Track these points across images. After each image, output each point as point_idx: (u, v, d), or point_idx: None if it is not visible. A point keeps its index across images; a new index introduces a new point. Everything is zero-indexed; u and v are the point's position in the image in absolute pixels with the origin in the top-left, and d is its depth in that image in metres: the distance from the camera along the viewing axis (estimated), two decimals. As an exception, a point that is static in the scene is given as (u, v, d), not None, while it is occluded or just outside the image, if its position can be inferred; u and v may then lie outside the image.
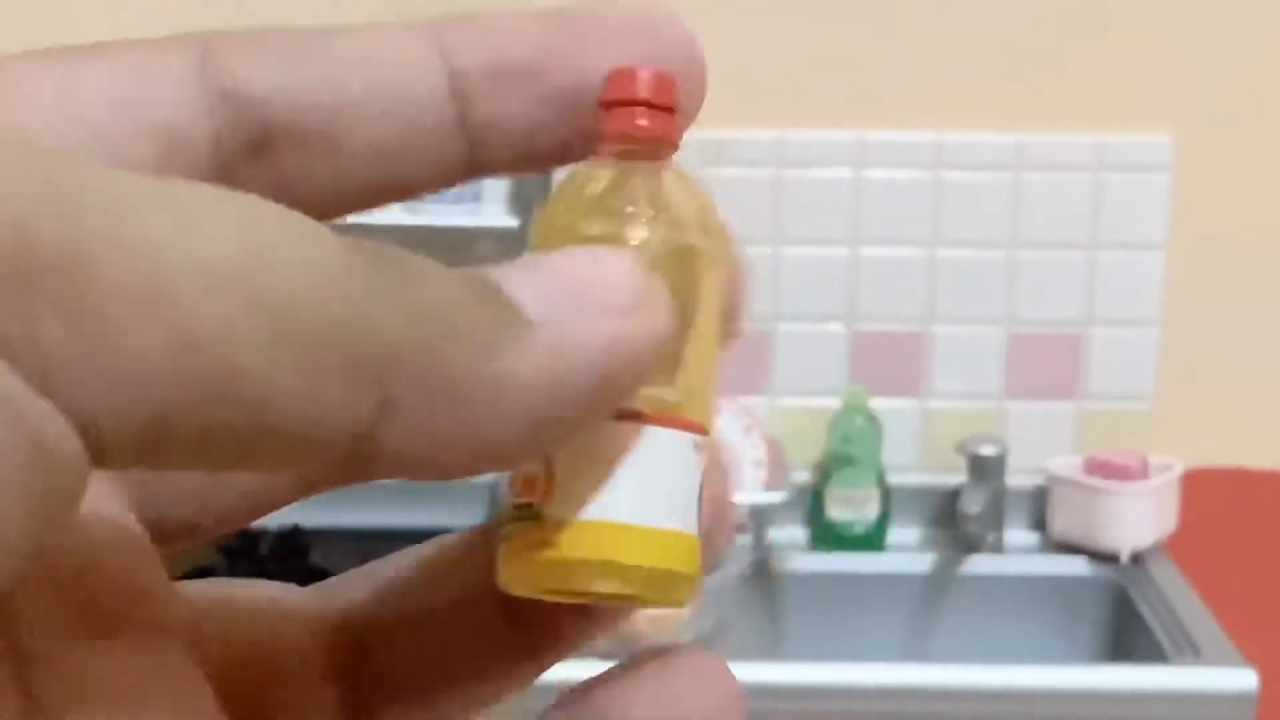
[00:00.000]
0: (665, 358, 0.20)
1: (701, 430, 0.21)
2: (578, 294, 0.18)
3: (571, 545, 0.20)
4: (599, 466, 0.20)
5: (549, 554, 0.20)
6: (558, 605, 0.21)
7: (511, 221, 1.57)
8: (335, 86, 0.21)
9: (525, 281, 0.18)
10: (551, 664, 0.23)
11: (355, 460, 0.17)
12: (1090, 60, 1.60)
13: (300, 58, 0.21)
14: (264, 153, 0.21)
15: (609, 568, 0.20)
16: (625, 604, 0.21)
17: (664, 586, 0.20)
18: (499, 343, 0.17)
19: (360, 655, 0.23)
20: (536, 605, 0.21)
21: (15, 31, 1.59)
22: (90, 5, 1.60)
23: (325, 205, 0.22)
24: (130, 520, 0.21)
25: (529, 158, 0.22)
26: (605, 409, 0.19)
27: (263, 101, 0.21)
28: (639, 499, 0.20)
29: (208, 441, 0.16)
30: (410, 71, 0.21)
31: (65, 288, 0.15)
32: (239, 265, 0.15)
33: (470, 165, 0.22)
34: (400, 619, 0.23)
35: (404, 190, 0.22)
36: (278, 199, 0.20)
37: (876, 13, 1.60)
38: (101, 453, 0.15)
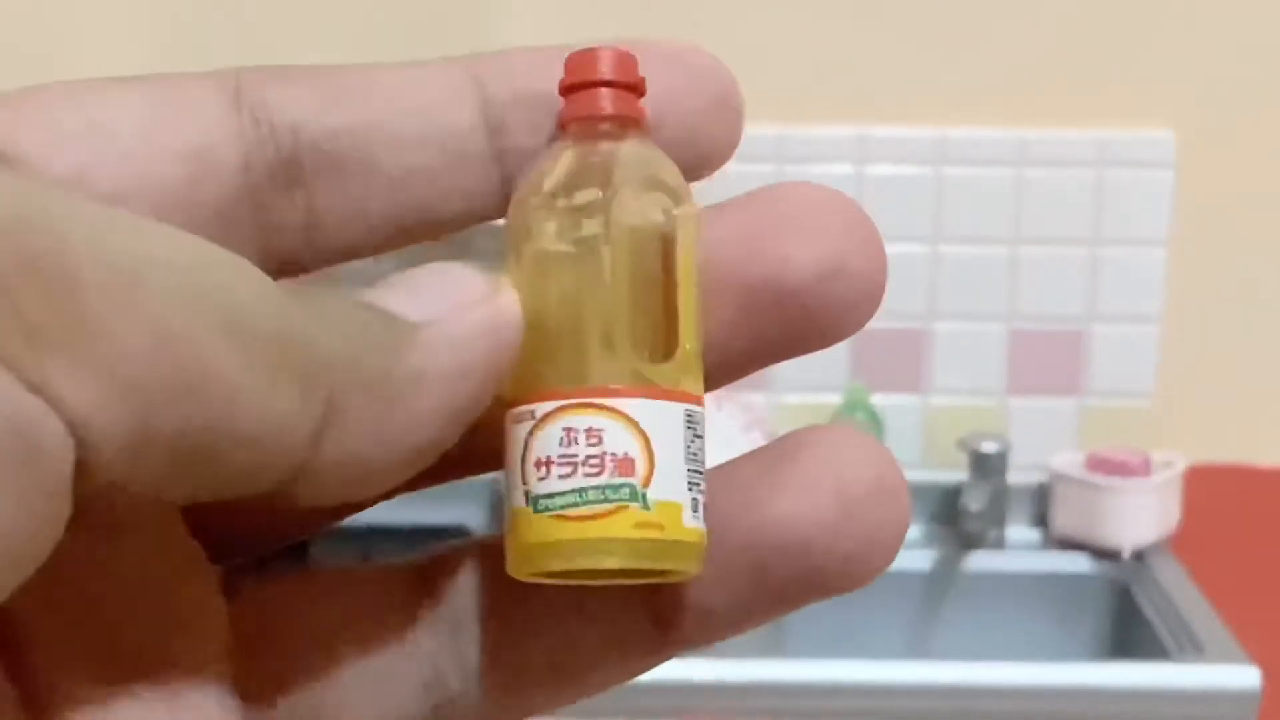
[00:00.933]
0: (650, 331, 0.21)
1: (698, 400, 0.21)
2: (441, 296, 0.20)
3: (672, 527, 0.20)
4: (662, 447, 0.21)
5: (655, 534, 0.20)
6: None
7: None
8: (367, 113, 0.21)
9: (394, 298, 0.20)
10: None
11: (301, 475, 0.18)
12: (1092, 56, 1.60)
13: (332, 86, 0.21)
14: (295, 181, 0.21)
15: (689, 548, 0.21)
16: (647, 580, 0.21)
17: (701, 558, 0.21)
18: (402, 346, 0.19)
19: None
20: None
21: (18, 67, 1.59)
22: (94, 41, 1.60)
23: (358, 238, 0.22)
24: (179, 531, 0.21)
25: None
26: (495, 386, 0.20)
27: (294, 126, 0.21)
28: (679, 477, 0.21)
29: (184, 446, 0.16)
30: (443, 100, 0.21)
31: (55, 283, 0.15)
32: (203, 273, 0.17)
33: (505, 197, 0.22)
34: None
35: (438, 224, 0.22)
36: (310, 231, 0.22)
37: (878, 8, 1.60)
38: (90, 462, 0.16)
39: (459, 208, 0.22)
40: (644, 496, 0.20)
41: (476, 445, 0.20)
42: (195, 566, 0.21)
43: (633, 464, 0.20)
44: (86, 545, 0.17)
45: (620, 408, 0.20)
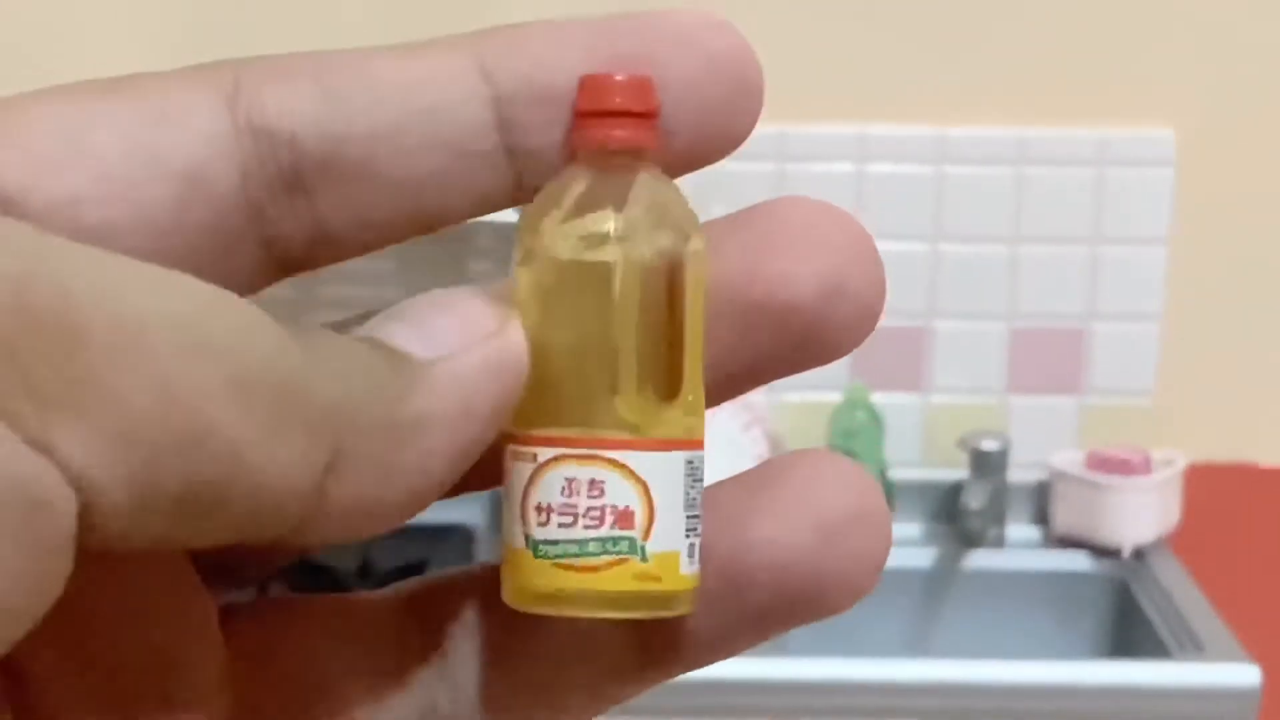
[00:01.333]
0: (655, 370, 0.21)
1: (698, 444, 0.21)
2: (446, 331, 0.19)
3: (669, 578, 0.21)
4: (662, 498, 0.21)
5: (654, 586, 0.21)
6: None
7: (512, 216, 1.56)
8: (372, 117, 0.20)
9: (399, 332, 0.19)
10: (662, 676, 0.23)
11: (305, 520, 0.17)
12: (1092, 54, 1.59)
13: (335, 86, 0.20)
14: (297, 188, 0.20)
15: (685, 594, 0.21)
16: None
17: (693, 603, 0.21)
18: (409, 387, 0.19)
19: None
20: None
21: (22, 51, 1.59)
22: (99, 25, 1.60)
23: (361, 239, 0.21)
24: (178, 563, 0.20)
25: None
26: (502, 423, 0.20)
27: (295, 135, 0.20)
28: (678, 525, 0.21)
29: (188, 499, 0.16)
30: (451, 97, 0.20)
31: (59, 340, 0.15)
32: (208, 324, 0.16)
33: (517, 192, 0.21)
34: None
35: (444, 220, 0.21)
36: (313, 235, 0.21)
37: (878, 8, 1.60)
38: (94, 518, 0.16)
39: (469, 204, 0.21)
40: (643, 549, 0.20)
41: (478, 468, 0.20)
42: (193, 599, 0.20)
43: (632, 517, 0.20)
44: (87, 584, 0.17)
45: (622, 460, 0.20)
